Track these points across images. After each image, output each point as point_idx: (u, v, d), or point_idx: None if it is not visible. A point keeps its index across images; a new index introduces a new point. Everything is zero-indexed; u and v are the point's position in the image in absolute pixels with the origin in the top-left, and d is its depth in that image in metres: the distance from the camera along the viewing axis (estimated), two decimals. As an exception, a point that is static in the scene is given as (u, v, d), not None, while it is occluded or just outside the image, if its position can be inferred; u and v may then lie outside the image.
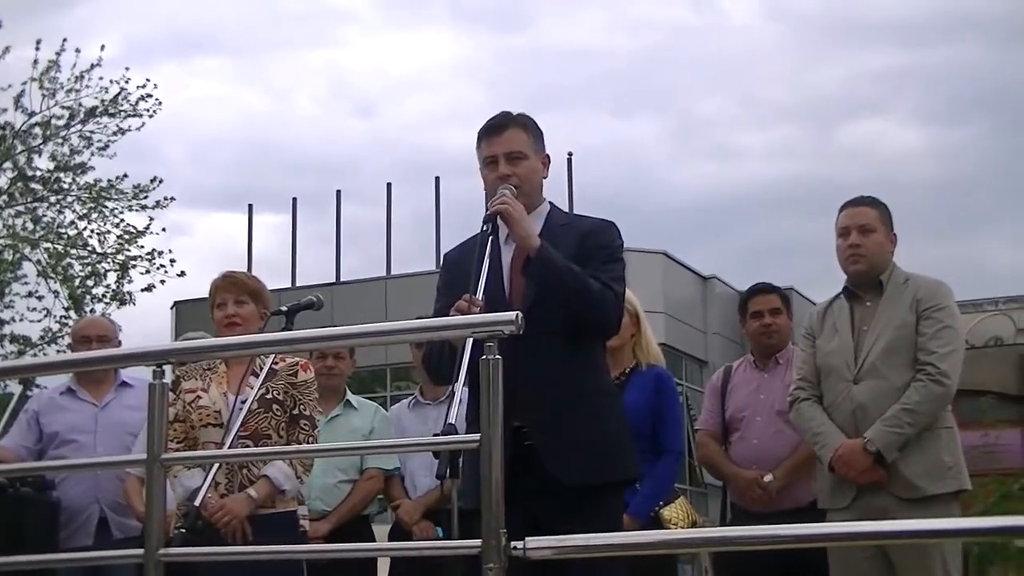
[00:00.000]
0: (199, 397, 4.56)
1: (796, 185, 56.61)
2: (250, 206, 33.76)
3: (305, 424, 4.56)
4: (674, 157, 58.11)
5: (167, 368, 3.41)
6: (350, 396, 5.85)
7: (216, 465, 4.13)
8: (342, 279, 31.10)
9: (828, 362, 4.70)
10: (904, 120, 60.81)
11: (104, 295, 17.64)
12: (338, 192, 33.03)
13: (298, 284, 29.89)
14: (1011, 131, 61.07)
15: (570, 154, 30.55)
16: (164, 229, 19.11)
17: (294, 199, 34.10)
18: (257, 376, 4.37)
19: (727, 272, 33.22)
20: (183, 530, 3.82)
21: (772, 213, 57.37)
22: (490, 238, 3.76)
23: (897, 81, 57.06)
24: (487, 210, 3.85)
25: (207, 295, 4.78)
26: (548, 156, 4.15)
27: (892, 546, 4.40)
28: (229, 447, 4.14)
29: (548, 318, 3.72)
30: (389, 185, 32.83)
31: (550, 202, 4.16)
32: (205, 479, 4.06)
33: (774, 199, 56.01)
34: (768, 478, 5.09)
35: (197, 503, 3.95)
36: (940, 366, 4.50)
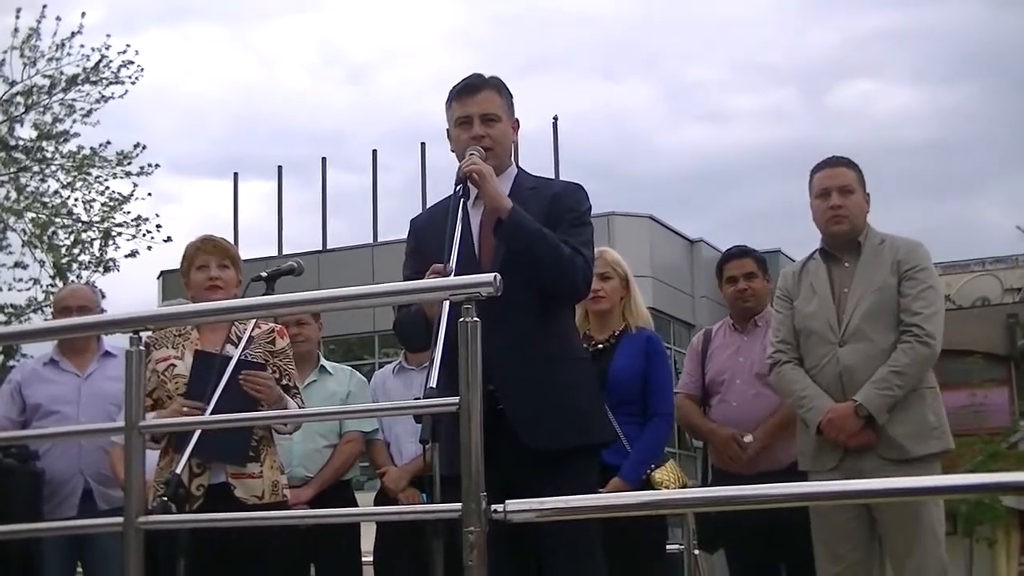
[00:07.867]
0: (173, 365, 4.49)
1: (786, 148, 56.82)
2: (235, 174, 33.70)
3: (295, 393, 4.53)
4: (664, 121, 58.20)
5: (144, 335, 3.38)
6: (324, 361, 5.82)
7: (196, 433, 4.09)
8: (328, 247, 31.04)
9: (808, 324, 4.68)
10: (896, 81, 60.85)
11: (90, 263, 17.52)
12: (323, 159, 33.02)
13: (284, 252, 29.84)
14: (1003, 92, 61.19)
15: (555, 118, 30.52)
16: (150, 194, 18.94)
17: (279, 167, 34.07)
18: (236, 345, 4.33)
19: (715, 236, 33.28)
20: (164, 499, 3.80)
21: (761, 176, 57.58)
22: (461, 200, 3.72)
23: (890, 42, 57.06)
24: (458, 172, 3.81)
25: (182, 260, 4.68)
26: (517, 120, 4.14)
27: (877, 506, 4.41)
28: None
29: (517, 281, 3.62)
30: (375, 152, 32.82)
31: (518, 166, 4.14)
32: (186, 448, 4.03)
33: (763, 162, 56.20)
34: (748, 438, 5.07)
35: (178, 470, 3.93)
36: (925, 327, 4.52)
